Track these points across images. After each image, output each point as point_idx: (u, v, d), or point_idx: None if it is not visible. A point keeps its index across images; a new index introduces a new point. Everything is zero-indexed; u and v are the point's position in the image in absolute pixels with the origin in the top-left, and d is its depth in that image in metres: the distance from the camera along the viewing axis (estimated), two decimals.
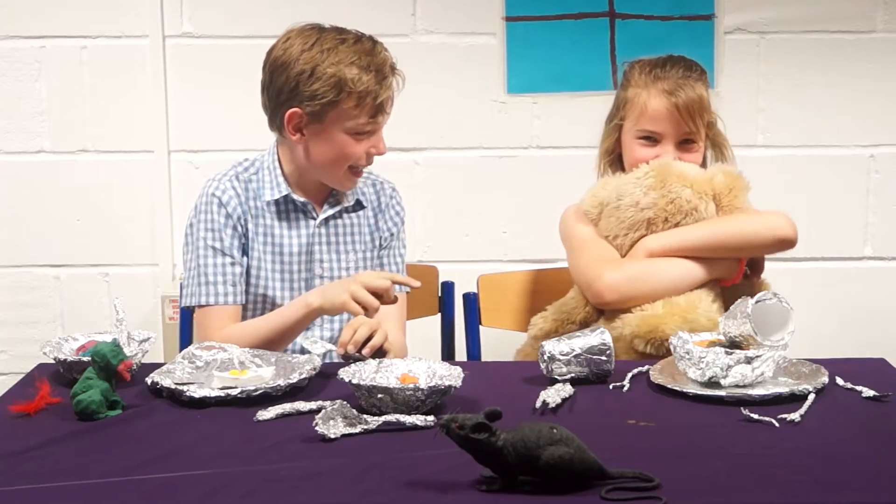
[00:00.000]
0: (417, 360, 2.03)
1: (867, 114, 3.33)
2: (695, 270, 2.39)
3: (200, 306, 2.35)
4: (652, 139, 2.48)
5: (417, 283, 2.27)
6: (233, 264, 2.35)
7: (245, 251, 2.37)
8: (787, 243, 2.43)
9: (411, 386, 1.87)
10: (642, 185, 2.40)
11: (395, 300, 2.23)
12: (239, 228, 2.36)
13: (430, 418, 1.80)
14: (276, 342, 2.28)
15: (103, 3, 3.28)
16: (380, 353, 2.17)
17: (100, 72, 3.31)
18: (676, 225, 2.40)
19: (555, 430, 1.54)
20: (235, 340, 2.21)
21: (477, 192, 3.37)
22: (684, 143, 2.49)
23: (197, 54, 3.30)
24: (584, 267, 2.45)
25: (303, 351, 2.35)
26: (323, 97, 2.26)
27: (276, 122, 2.34)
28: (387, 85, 2.29)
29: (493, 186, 3.36)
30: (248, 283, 2.38)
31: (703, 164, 2.55)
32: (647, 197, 2.39)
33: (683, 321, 2.29)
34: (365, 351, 2.15)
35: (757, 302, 2.03)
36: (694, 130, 2.47)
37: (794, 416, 1.83)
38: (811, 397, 1.91)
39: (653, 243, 2.41)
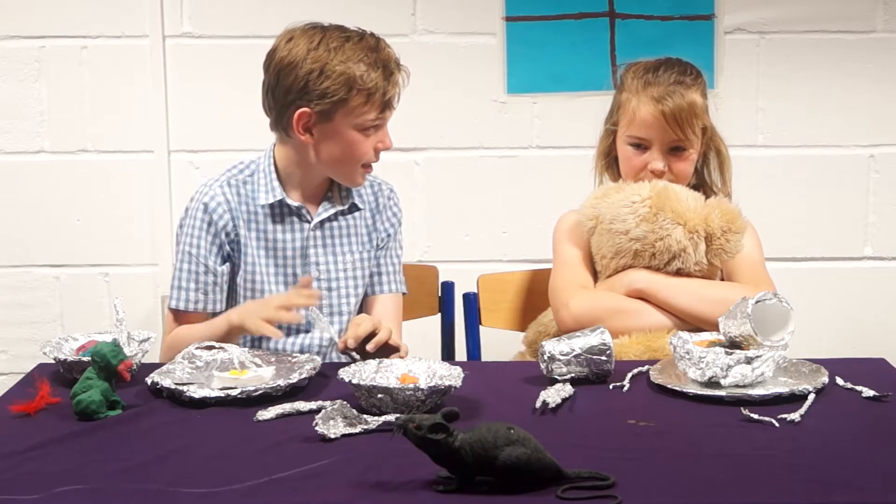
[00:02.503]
0: (417, 360, 2.03)
1: (867, 114, 3.33)
2: (664, 325, 2.35)
3: (170, 309, 2.39)
4: (641, 146, 2.46)
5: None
6: (206, 273, 2.36)
7: (230, 259, 2.37)
8: None
9: (411, 386, 1.87)
10: (636, 213, 2.36)
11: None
12: (223, 236, 2.36)
13: None
14: None
15: (103, 3, 3.27)
16: (388, 350, 2.17)
17: (100, 72, 3.30)
18: (666, 264, 2.37)
19: (512, 431, 1.54)
20: (174, 343, 2.29)
21: (477, 192, 3.37)
22: (675, 150, 2.45)
23: (197, 54, 3.30)
24: (557, 289, 2.45)
25: (302, 351, 2.35)
26: (333, 95, 2.27)
27: (282, 122, 2.34)
28: (394, 81, 2.32)
29: (493, 186, 3.36)
30: (246, 287, 2.38)
31: (705, 170, 2.54)
32: (638, 228, 2.36)
33: (647, 349, 2.29)
34: (369, 347, 2.15)
35: (757, 302, 2.03)
36: (682, 138, 2.43)
37: (794, 416, 1.83)
38: (811, 397, 1.91)
39: (639, 283, 2.37)
